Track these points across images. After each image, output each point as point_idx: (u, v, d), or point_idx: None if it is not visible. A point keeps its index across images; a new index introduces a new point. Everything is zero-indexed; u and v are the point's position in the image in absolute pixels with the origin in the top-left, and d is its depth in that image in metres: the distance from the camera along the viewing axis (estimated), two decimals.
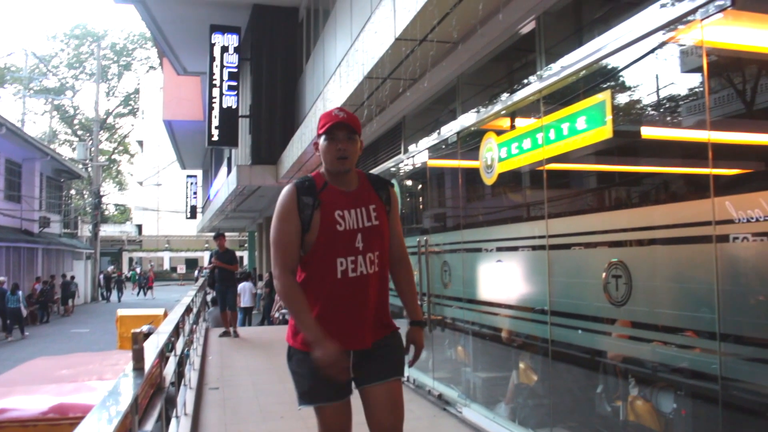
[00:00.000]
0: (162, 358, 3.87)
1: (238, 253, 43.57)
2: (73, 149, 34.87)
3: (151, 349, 3.21)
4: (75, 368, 6.15)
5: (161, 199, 53.10)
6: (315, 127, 9.04)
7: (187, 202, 39.95)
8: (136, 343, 2.63)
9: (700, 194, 2.92)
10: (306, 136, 9.87)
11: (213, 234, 11.62)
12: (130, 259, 53.16)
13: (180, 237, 54.71)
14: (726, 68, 3.01)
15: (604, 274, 3.55)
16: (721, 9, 2.80)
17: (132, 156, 60.58)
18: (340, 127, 2.57)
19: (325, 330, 2.48)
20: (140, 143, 57.10)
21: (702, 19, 2.92)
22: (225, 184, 17.32)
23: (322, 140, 2.61)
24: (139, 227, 58.46)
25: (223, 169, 21.14)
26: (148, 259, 52.43)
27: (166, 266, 54.28)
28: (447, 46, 5.28)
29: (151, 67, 52.78)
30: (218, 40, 14.09)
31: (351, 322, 2.57)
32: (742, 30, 2.88)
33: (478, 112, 5.37)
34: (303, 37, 13.51)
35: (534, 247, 4.39)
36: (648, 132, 3.62)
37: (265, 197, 17.01)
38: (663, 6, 3.27)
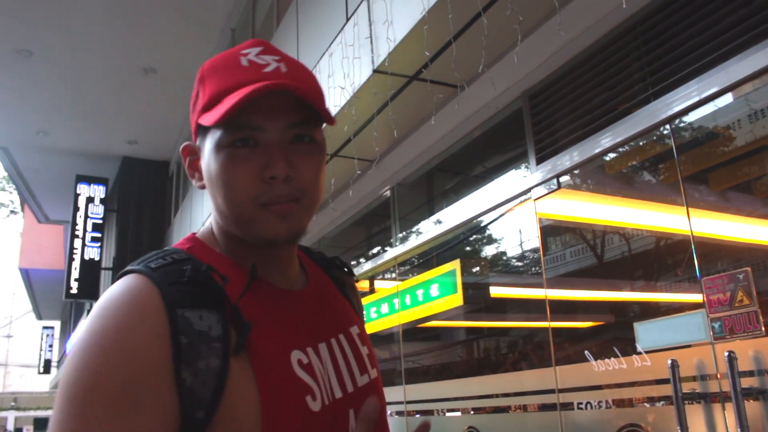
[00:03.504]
0: None
1: None
2: None
3: None
4: None
5: (11, 351, 48.62)
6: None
7: (41, 355, 36.76)
8: None
9: (545, 363, 3.08)
10: None
11: None
12: None
13: (30, 394, 49.70)
14: (556, 234, 3.33)
15: None
16: (551, 190, 3.17)
17: None
18: (274, 105, 0.76)
19: None
20: None
21: (535, 199, 3.26)
22: None
23: (209, 146, 0.80)
24: None
25: (83, 321, 19.86)
26: None
27: (10, 427, 48.69)
28: None
29: (12, 212, 50.15)
30: (84, 190, 13.73)
31: None
32: (568, 203, 3.25)
33: None
34: (173, 190, 13.44)
35: (395, 412, 4.36)
36: (497, 292, 3.84)
37: None
38: (504, 184, 3.61)
